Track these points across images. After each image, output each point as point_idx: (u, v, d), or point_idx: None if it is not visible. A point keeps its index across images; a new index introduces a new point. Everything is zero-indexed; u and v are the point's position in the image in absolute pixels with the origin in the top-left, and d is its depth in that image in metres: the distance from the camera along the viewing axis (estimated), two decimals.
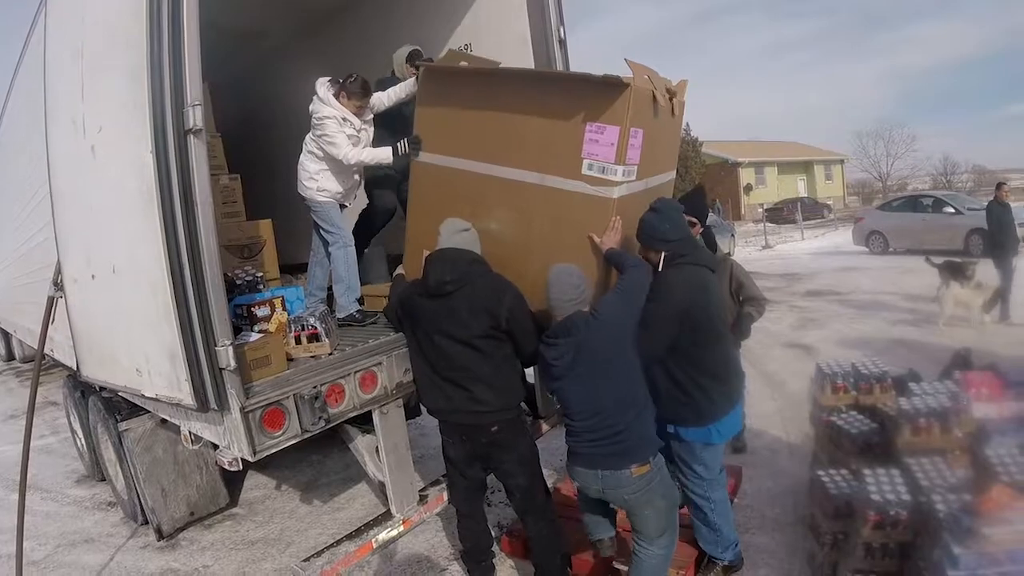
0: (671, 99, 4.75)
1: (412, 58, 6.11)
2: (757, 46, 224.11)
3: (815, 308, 14.93)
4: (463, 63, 5.30)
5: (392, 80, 6.11)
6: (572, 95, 4.37)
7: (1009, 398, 5.20)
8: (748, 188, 48.46)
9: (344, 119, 5.55)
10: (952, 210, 22.73)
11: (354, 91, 5.57)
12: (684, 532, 4.93)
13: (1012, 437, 4.81)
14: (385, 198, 6.58)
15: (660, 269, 4.39)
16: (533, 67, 5.95)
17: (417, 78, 5.37)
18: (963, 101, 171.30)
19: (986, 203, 13.55)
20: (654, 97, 4.46)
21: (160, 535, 6.19)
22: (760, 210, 41.56)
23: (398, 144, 5.27)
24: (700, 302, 4.36)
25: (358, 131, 5.67)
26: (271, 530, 6.32)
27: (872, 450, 5.11)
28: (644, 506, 4.09)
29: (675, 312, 4.25)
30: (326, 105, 5.51)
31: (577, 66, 5.84)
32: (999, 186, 13.04)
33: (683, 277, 4.36)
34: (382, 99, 5.89)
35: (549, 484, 5.98)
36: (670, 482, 4.27)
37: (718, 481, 4.72)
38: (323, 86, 5.55)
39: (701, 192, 5.98)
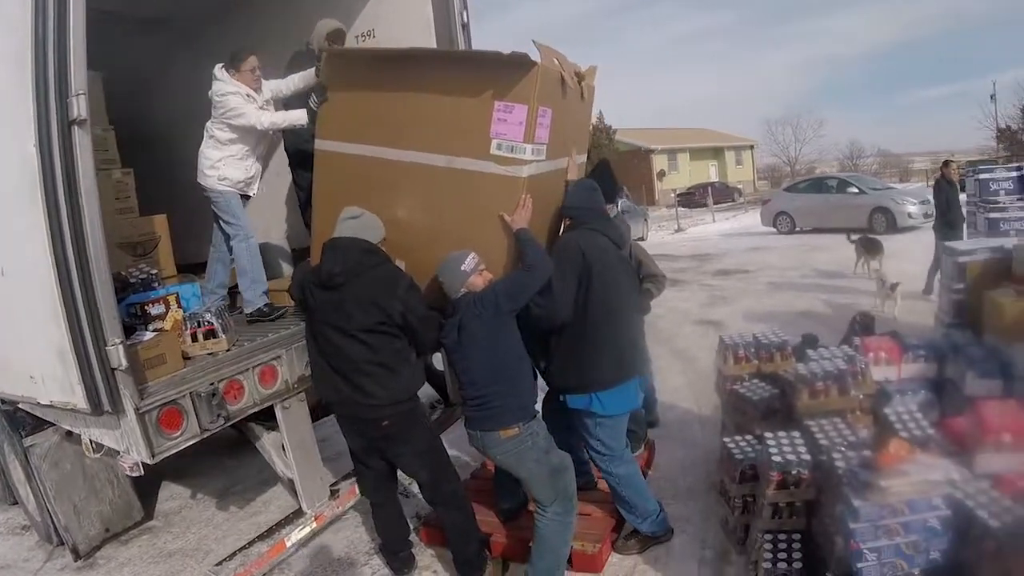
0: (580, 82, 4.76)
1: (333, 37, 5.93)
2: (670, 36, 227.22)
3: (725, 286, 15.22)
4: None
5: (307, 54, 5.94)
6: (479, 74, 4.35)
7: (907, 361, 5.39)
8: (661, 174, 48.97)
9: (248, 95, 5.47)
10: (856, 190, 23.57)
11: (239, 59, 5.47)
12: (605, 506, 5.09)
13: (910, 396, 4.99)
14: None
15: (560, 233, 4.59)
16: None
17: (317, 69, 5.31)
18: (871, 89, 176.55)
19: (933, 181, 13.58)
20: (562, 79, 4.46)
21: (76, 555, 5.93)
22: (673, 195, 42.08)
23: (310, 102, 5.14)
24: (596, 264, 4.45)
25: (261, 108, 5.58)
26: (189, 540, 6.14)
27: (774, 415, 5.22)
28: (518, 468, 4.34)
29: (571, 269, 4.37)
30: (227, 83, 5.40)
31: None
32: (946, 164, 12.81)
33: (577, 237, 4.54)
34: (280, 87, 5.79)
35: (469, 469, 6.01)
36: (548, 450, 4.36)
37: (619, 457, 4.78)
38: (220, 69, 5.44)
39: (605, 167, 5.94)
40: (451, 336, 4.23)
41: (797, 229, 24.73)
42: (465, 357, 4.23)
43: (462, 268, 4.20)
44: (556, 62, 4.39)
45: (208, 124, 5.57)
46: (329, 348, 4.33)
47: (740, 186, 54.93)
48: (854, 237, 14.55)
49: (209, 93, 5.46)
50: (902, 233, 20.34)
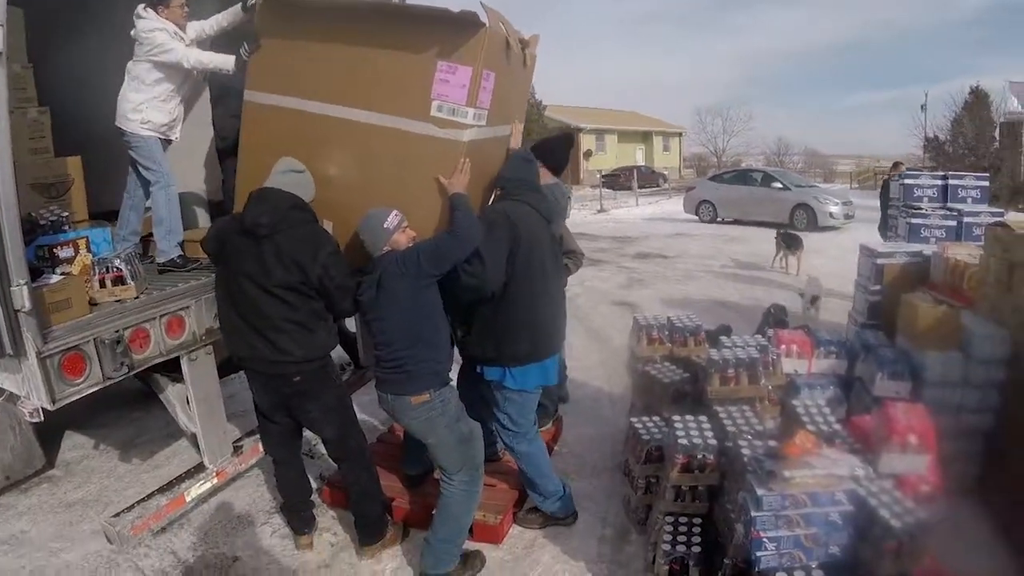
0: (524, 49, 4.70)
1: None
2: (608, 14, 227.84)
3: (643, 269, 15.35)
4: None
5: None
6: (424, 31, 4.19)
7: (818, 356, 5.51)
8: (588, 154, 49.06)
9: (175, 33, 5.28)
10: (780, 185, 23.93)
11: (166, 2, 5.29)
12: (509, 478, 5.14)
13: (819, 391, 5.08)
14: None
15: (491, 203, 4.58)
16: None
17: (244, 3, 5.20)
18: (806, 88, 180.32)
19: (882, 181, 13.84)
20: (508, 43, 4.38)
21: None
22: (598, 176, 42.25)
23: (241, 51, 5.00)
24: (524, 237, 4.42)
25: (188, 46, 5.39)
26: (89, 491, 6.02)
27: (684, 398, 5.30)
28: (427, 434, 4.31)
29: (503, 238, 4.33)
30: (153, 19, 5.21)
31: None
32: (896, 165, 13.26)
33: (507, 208, 4.50)
34: (204, 28, 5.58)
35: (376, 433, 5.97)
36: (459, 418, 4.36)
37: (524, 434, 4.80)
38: (144, 7, 5.24)
39: (562, 140, 5.87)
40: (369, 293, 4.16)
41: (719, 219, 25.06)
42: (382, 317, 4.16)
43: (384, 225, 4.12)
44: (502, 26, 4.30)
45: (130, 65, 5.36)
46: (245, 302, 4.21)
47: (666, 172, 55.46)
48: (780, 232, 14.90)
49: (132, 33, 5.25)
50: (822, 232, 20.79)
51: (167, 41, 5.18)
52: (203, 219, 7.10)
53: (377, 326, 4.22)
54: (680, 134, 70.47)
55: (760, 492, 3.63)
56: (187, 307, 4.58)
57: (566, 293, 5.25)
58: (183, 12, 5.35)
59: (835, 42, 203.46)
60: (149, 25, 5.17)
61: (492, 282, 4.30)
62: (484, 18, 4.03)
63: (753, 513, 3.63)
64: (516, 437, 4.77)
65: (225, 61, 5.18)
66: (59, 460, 6.63)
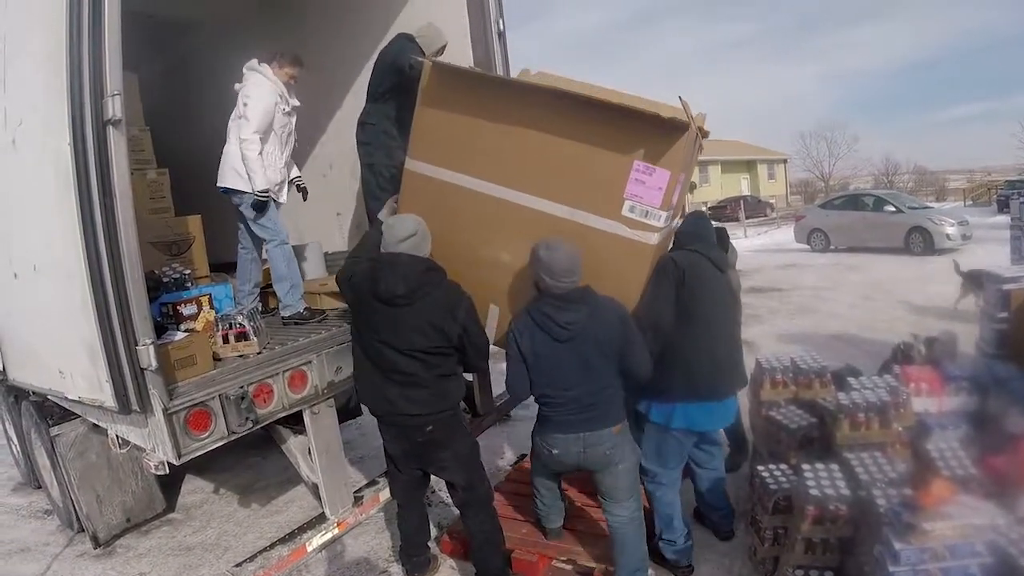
0: (702, 137, 4.53)
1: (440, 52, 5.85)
2: (693, 48, 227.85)
3: (756, 304, 14.89)
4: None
5: (410, 45, 5.78)
6: (626, 128, 4.02)
7: (949, 393, 5.23)
8: (692, 186, 48.70)
9: (281, 95, 5.44)
10: (893, 208, 22.95)
11: (286, 60, 5.48)
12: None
13: (951, 431, 4.83)
14: None
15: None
16: (473, 60, 5.87)
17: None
18: (904, 104, 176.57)
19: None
20: (696, 136, 4.23)
21: (96, 543, 6.00)
22: (704, 208, 41.89)
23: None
24: (689, 280, 4.36)
25: (290, 112, 5.57)
26: (208, 535, 6.18)
27: (811, 444, 5.10)
28: (621, 460, 4.25)
29: (667, 279, 4.30)
30: (262, 76, 5.41)
31: (516, 64, 5.81)
32: None
33: (676, 255, 4.49)
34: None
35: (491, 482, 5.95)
36: (635, 444, 4.40)
37: (653, 474, 4.76)
38: (257, 61, 5.45)
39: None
40: (578, 324, 4.03)
41: (832, 247, 24.38)
42: (579, 355, 4.05)
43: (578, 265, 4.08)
44: (692, 120, 4.07)
45: (234, 123, 5.49)
46: (382, 361, 4.25)
47: (772, 200, 54.68)
48: (963, 269, 13.42)
49: (239, 87, 5.45)
50: (939, 255, 19.84)
51: (262, 97, 5.35)
52: (320, 271, 7.22)
53: (569, 365, 4.08)
54: (785, 161, 69.46)
55: (898, 546, 3.50)
56: (309, 362, 4.63)
57: None
58: (288, 79, 5.53)
59: (925, 54, 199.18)
60: (253, 83, 5.37)
61: (661, 319, 4.30)
62: (687, 119, 3.89)
63: (891, 568, 3.50)
64: (647, 473, 4.74)
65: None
66: (179, 504, 6.87)
